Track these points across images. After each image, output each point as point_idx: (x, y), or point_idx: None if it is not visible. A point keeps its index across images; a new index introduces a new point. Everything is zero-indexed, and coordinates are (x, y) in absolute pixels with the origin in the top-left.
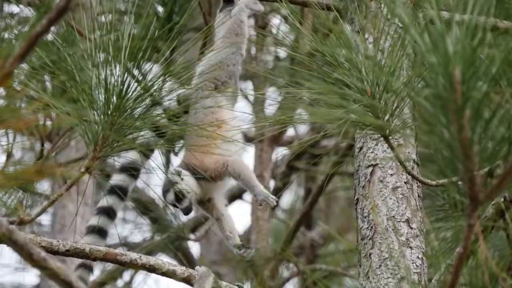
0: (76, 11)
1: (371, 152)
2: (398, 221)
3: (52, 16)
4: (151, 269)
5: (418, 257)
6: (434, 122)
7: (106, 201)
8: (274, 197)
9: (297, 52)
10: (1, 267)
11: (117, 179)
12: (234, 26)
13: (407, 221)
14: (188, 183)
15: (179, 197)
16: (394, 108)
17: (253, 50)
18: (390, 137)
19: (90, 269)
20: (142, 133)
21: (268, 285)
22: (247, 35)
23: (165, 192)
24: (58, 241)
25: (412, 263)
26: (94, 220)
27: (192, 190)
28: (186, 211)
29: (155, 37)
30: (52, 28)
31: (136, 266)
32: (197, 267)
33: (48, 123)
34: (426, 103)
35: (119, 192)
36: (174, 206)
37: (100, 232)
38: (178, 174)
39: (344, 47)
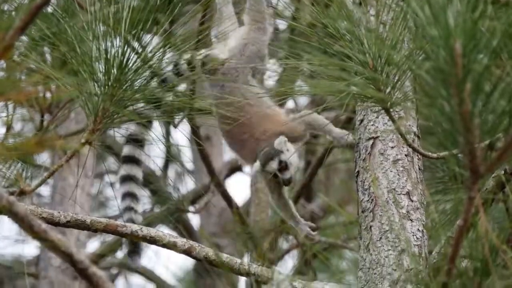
0: None
1: (372, 125)
2: (399, 194)
3: None
4: (152, 240)
5: (418, 229)
6: (435, 95)
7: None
8: (347, 132)
9: (298, 23)
10: (1, 239)
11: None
12: (258, 13)
13: (408, 193)
14: (292, 155)
15: (283, 167)
16: (395, 80)
17: None
18: (391, 110)
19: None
20: (142, 105)
21: (267, 257)
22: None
23: (268, 159)
24: (59, 213)
25: (413, 235)
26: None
27: (296, 163)
28: (288, 182)
29: (154, 8)
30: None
31: (137, 238)
32: (272, 267)
33: (48, 95)
34: (427, 76)
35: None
36: (274, 174)
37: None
38: (284, 142)
39: (346, 18)
